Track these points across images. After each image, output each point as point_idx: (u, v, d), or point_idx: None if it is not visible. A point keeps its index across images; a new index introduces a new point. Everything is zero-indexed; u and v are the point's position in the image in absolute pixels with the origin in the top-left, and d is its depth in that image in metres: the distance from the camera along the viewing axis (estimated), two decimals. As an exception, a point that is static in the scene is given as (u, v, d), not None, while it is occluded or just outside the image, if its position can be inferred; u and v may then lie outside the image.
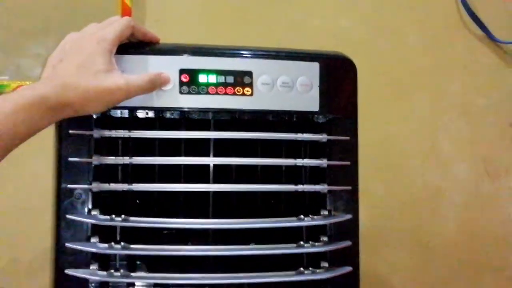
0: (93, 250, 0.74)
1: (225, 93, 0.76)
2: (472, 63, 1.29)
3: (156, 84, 0.73)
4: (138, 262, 0.79)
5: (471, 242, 1.29)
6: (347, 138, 0.81)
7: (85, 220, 0.75)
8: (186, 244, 0.79)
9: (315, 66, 0.79)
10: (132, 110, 0.77)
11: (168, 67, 0.75)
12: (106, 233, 0.76)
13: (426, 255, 1.27)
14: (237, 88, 0.76)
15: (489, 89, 1.30)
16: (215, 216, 0.78)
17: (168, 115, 0.80)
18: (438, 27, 1.28)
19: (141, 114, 0.79)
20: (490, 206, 1.30)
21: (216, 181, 0.79)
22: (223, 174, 0.79)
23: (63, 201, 0.75)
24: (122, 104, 0.74)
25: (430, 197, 1.27)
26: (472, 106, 1.29)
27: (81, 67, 0.69)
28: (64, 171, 0.76)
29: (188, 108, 0.76)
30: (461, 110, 1.29)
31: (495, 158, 1.30)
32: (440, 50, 1.28)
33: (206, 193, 0.78)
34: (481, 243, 1.29)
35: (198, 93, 0.76)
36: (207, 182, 0.79)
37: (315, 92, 0.78)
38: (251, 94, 0.77)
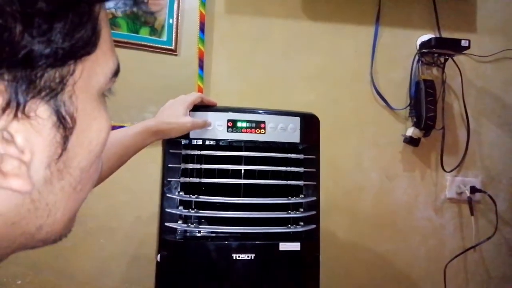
0: (180, 212, 0.78)
1: (251, 132, 0.81)
2: (379, 120, 1.31)
3: (205, 125, 0.77)
4: (203, 220, 0.83)
5: (380, 214, 1.30)
6: (314, 157, 0.85)
7: (176, 197, 0.78)
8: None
9: (298, 119, 0.83)
10: (203, 140, 0.81)
11: (220, 118, 0.79)
12: (187, 205, 0.80)
13: (355, 220, 1.28)
14: (257, 129, 0.81)
15: (388, 134, 1.31)
16: (245, 196, 0.81)
17: (221, 143, 0.83)
18: (359, 100, 1.30)
19: (208, 142, 0.82)
20: (389, 196, 1.32)
21: (245, 178, 0.82)
22: (249, 175, 0.82)
23: (165, 186, 0.79)
24: (198, 136, 0.79)
25: (357, 189, 1.29)
26: (379, 143, 1.30)
27: (172, 112, 0.75)
28: (166, 171, 0.79)
29: (231, 139, 0.80)
30: (372, 144, 1.30)
31: (391, 169, 1.33)
32: (362, 112, 1.30)
33: (239, 185, 0.81)
34: (385, 215, 1.31)
35: (237, 132, 0.80)
36: (240, 178, 0.82)
37: (298, 132, 0.82)
38: (265, 133, 0.81)
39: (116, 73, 0.27)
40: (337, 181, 1.27)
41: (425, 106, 1.25)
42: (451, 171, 1.34)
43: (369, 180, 1.30)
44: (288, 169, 0.84)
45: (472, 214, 1.33)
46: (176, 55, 1.17)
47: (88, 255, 1.10)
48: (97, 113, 0.26)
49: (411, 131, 1.28)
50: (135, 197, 1.13)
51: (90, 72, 0.24)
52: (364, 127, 1.30)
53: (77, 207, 0.27)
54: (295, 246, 0.79)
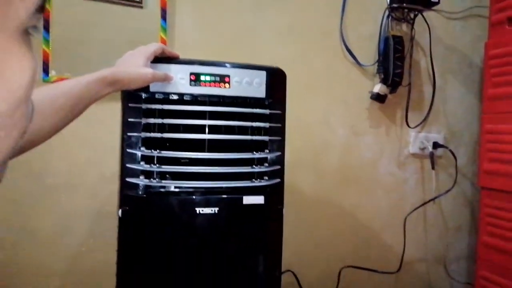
0: (141, 167, 0.77)
1: (215, 86, 0.78)
2: (347, 77, 1.31)
3: (166, 79, 0.75)
4: (167, 175, 0.82)
5: (345, 169, 1.34)
6: (280, 112, 0.84)
7: (136, 152, 0.77)
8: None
9: (264, 73, 0.81)
10: (165, 94, 0.78)
11: (182, 71, 0.77)
12: (150, 161, 0.79)
13: (320, 176, 1.31)
14: (221, 83, 0.79)
15: (356, 91, 1.32)
16: (209, 151, 0.80)
17: (184, 97, 0.80)
18: (330, 57, 1.29)
19: (171, 96, 0.80)
20: (353, 150, 1.35)
21: (210, 133, 0.80)
22: (214, 130, 0.80)
23: (125, 142, 0.77)
24: (159, 90, 0.77)
25: (324, 145, 1.31)
26: (346, 99, 1.31)
27: (131, 62, 0.72)
28: (126, 126, 0.77)
29: (193, 93, 0.78)
30: (340, 101, 1.31)
31: (358, 125, 1.35)
32: (331, 69, 1.29)
33: (203, 140, 0.80)
34: (350, 171, 1.35)
35: (200, 85, 0.78)
36: (204, 133, 0.80)
37: (263, 87, 0.81)
38: (229, 87, 0.79)
39: (41, 8, 0.24)
40: (304, 137, 1.28)
41: (393, 63, 1.26)
42: (415, 127, 1.38)
43: (336, 136, 1.32)
44: (254, 124, 0.83)
45: (433, 168, 1.39)
46: (141, 7, 1.11)
47: (49, 212, 1.09)
48: (18, 50, 0.24)
49: (378, 87, 1.29)
50: (97, 154, 1.11)
51: (7, 4, 0.22)
52: (332, 84, 1.30)
53: (4, 155, 0.26)
54: (259, 199, 0.80)
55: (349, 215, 1.35)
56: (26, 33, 0.25)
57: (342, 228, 1.34)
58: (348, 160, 1.33)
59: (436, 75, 1.37)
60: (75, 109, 0.64)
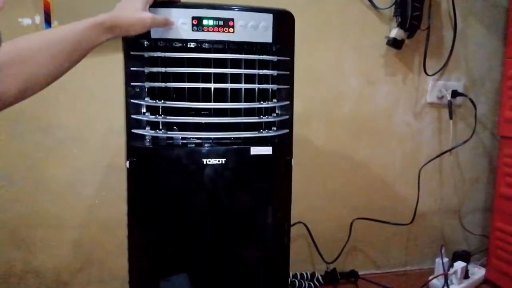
0: (146, 118, 0.76)
1: (218, 31, 0.75)
2: (362, 21, 1.24)
3: (167, 24, 0.72)
4: (174, 127, 0.81)
5: (359, 120, 1.30)
6: (288, 58, 0.81)
7: (141, 102, 0.76)
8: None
9: (270, 16, 0.77)
10: (167, 40, 0.75)
11: (184, 15, 0.73)
12: (155, 111, 0.77)
13: (333, 127, 1.28)
14: (225, 28, 0.75)
15: (371, 36, 1.26)
16: (215, 101, 0.79)
17: (188, 44, 0.77)
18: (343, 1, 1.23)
19: (174, 44, 0.77)
20: (368, 100, 1.31)
21: (216, 81, 0.78)
22: (220, 79, 0.78)
23: (129, 93, 0.76)
24: (161, 36, 0.74)
25: (336, 95, 1.27)
26: (361, 45, 1.26)
27: (129, 7, 0.69)
28: (128, 76, 0.75)
29: (196, 39, 0.75)
30: (354, 47, 1.25)
31: (372, 73, 1.30)
32: (345, 13, 1.23)
33: (209, 89, 0.78)
34: (364, 121, 1.31)
35: (203, 31, 0.74)
36: (210, 82, 0.78)
37: (270, 32, 0.77)
38: (234, 32, 0.76)
39: None
40: (315, 87, 1.24)
41: (411, 4, 1.19)
42: (433, 74, 1.32)
43: (349, 85, 1.28)
44: (260, 71, 0.80)
45: (451, 118, 1.34)
46: None
47: (61, 165, 1.10)
48: None
49: (395, 32, 1.23)
50: (106, 106, 1.10)
51: None
52: (346, 29, 1.24)
53: None
54: (267, 150, 0.79)
55: (362, 167, 1.33)
56: None
57: (354, 180, 1.33)
58: (361, 110, 1.29)
59: (457, 17, 1.29)
60: (72, 57, 0.62)
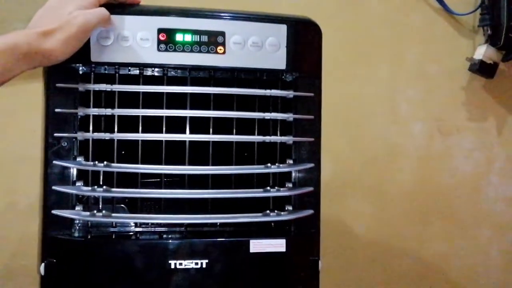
0: (77, 192, 0.77)
1: (200, 51, 0.78)
2: (428, 33, 1.30)
3: (104, 20, 0.74)
4: (121, 205, 0.82)
5: (426, 194, 1.32)
6: (311, 94, 0.83)
7: (69, 165, 0.76)
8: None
9: (283, 28, 0.80)
10: (116, 65, 0.78)
11: (146, 26, 0.76)
12: (91, 179, 0.78)
13: (383, 204, 1.30)
14: (211, 46, 0.78)
15: (444, 57, 1.31)
16: (191, 163, 0.79)
17: (149, 72, 0.80)
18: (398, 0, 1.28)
19: (123, 70, 0.80)
20: (441, 161, 1.33)
21: (192, 132, 0.80)
22: (199, 126, 0.80)
23: (50, 149, 0.77)
24: (105, 60, 0.76)
25: (388, 152, 1.29)
26: (427, 72, 1.30)
27: (54, 18, 0.71)
28: (52, 121, 0.77)
29: (165, 64, 0.78)
30: (417, 75, 1.30)
31: (446, 117, 1.33)
32: (399, 21, 1.28)
33: (183, 143, 0.80)
34: (434, 196, 1.33)
35: (175, 50, 0.77)
36: (184, 132, 0.80)
37: (283, 52, 0.80)
38: (224, 53, 0.78)
39: None
40: (354, 139, 1.27)
41: (507, 8, 1.24)
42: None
43: (409, 136, 1.31)
44: (267, 116, 0.82)
45: None
46: None
47: None
48: None
49: (482, 51, 1.27)
50: (4, 170, 1.11)
51: None
52: (403, 46, 1.29)
53: None
54: (278, 245, 0.79)
55: (432, 270, 1.33)
56: None
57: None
58: (430, 178, 1.31)
59: None
60: None
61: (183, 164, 0.80)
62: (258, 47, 0.80)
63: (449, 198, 1.33)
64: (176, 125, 0.80)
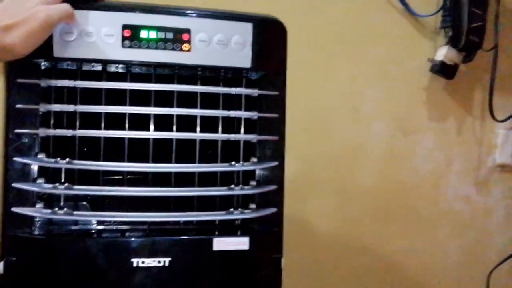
0: (38, 189, 0.76)
1: (165, 48, 0.78)
2: (390, 34, 1.32)
3: (68, 16, 0.73)
4: (84, 203, 0.81)
5: (387, 191, 1.34)
6: (276, 93, 0.84)
7: (30, 162, 0.76)
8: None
9: (248, 27, 0.81)
10: (80, 61, 0.78)
11: (111, 22, 0.76)
12: (52, 176, 0.77)
13: (346, 201, 1.31)
14: (176, 44, 0.78)
15: (405, 58, 1.33)
16: (155, 161, 0.79)
17: (112, 68, 0.80)
18: (363, 0, 1.30)
19: (86, 66, 0.79)
20: (402, 160, 1.36)
21: (156, 130, 0.80)
22: (163, 124, 0.80)
23: (11, 145, 0.76)
24: (68, 54, 0.76)
25: (351, 151, 1.31)
26: (389, 72, 1.32)
27: (15, 12, 0.70)
28: (12, 117, 0.76)
29: (130, 61, 0.78)
30: (378, 75, 1.32)
31: (408, 116, 1.35)
32: (362, 21, 1.30)
33: (147, 140, 0.79)
34: (395, 193, 1.35)
35: (139, 47, 0.77)
36: (148, 130, 0.80)
37: (248, 51, 0.81)
38: (189, 50, 0.78)
39: None
40: (318, 138, 1.29)
41: (469, 10, 1.26)
42: (506, 120, 1.38)
43: (372, 135, 1.33)
44: (232, 114, 0.83)
45: (535, 190, 1.39)
46: None
47: None
48: None
49: (443, 52, 1.29)
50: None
51: None
52: (366, 46, 1.31)
53: None
54: (241, 243, 0.80)
55: (393, 269, 1.35)
56: None
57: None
58: (392, 176, 1.33)
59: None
60: None
61: (147, 161, 0.80)
62: (224, 45, 0.80)
63: (409, 196, 1.35)
64: (139, 122, 0.80)
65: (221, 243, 0.79)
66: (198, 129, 0.83)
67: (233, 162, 0.83)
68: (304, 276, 1.28)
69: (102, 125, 0.79)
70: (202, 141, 0.83)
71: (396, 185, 1.33)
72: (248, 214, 0.83)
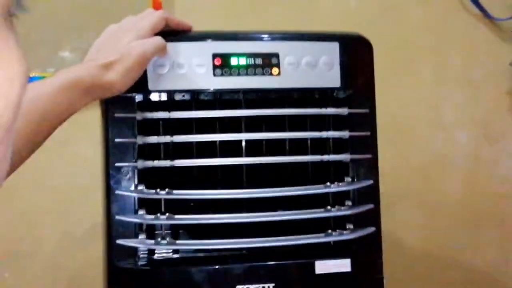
0: (141, 221, 0.78)
1: (255, 74, 0.79)
2: (470, 39, 1.30)
3: (160, 49, 0.75)
4: (180, 231, 0.82)
5: (474, 201, 1.31)
6: (367, 111, 0.84)
7: (133, 194, 0.78)
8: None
9: (335, 46, 0.81)
10: (170, 92, 0.80)
11: (201, 52, 0.78)
12: (151, 207, 0.79)
13: (433, 213, 1.29)
14: (265, 69, 0.79)
15: (486, 62, 1.31)
16: (248, 187, 0.80)
17: (202, 96, 0.82)
18: (439, 7, 1.28)
19: (178, 97, 0.81)
20: (489, 168, 1.33)
21: (248, 155, 0.81)
22: (254, 148, 0.81)
23: (112, 178, 0.78)
24: (162, 88, 0.78)
25: (434, 162, 1.29)
26: (471, 78, 1.30)
27: (113, 49, 0.72)
28: (112, 151, 0.78)
29: (220, 88, 0.79)
30: (461, 81, 1.30)
31: (493, 123, 1.33)
32: (441, 28, 1.29)
33: (240, 166, 0.80)
34: (480, 201, 1.33)
35: (230, 74, 0.79)
36: (241, 156, 0.81)
37: (336, 70, 0.81)
38: (279, 74, 0.79)
39: None
40: (398, 150, 1.27)
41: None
42: None
43: (455, 145, 1.30)
44: (323, 134, 0.83)
45: None
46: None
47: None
48: (2, 46, 0.25)
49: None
50: (59, 199, 1.12)
51: None
52: (446, 53, 1.30)
53: None
54: (343, 265, 0.80)
55: (487, 280, 1.32)
56: (8, 15, 0.26)
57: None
58: (479, 185, 1.30)
59: None
60: (39, 132, 0.66)
61: (241, 188, 0.81)
62: (312, 66, 0.81)
63: (498, 206, 1.32)
64: (231, 150, 0.81)
65: (323, 266, 0.79)
66: (288, 151, 0.83)
67: (328, 183, 0.83)
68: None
69: (194, 154, 0.81)
70: (290, 164, 0.83)
71: (484, 195, 1.31)
72: (347, 235, 0.82)
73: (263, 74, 0.80)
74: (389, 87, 1.25)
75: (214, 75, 0.78)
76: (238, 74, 0.79)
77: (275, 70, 0.80)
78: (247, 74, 0.79)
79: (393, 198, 1.26)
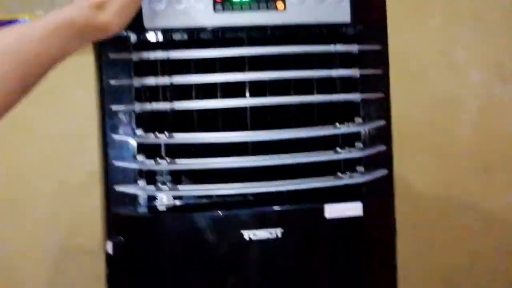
0: (141, 167, 0.75)
1: (258, 9, 0.75)
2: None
3: None
4: (183, 179, 0.80)
5: (485, 142, 1.30)
6: (379, 47, 0.80)
7: (131, 139, 0.75)
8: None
9: (345, -21, 0.76)
10: (169, 30, 0.76)
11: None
12: (150, 152, 0.77)
13: (443, 156, 1.28)
14: (269, 3, 0.75)
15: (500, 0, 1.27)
16: (253, 129, 0.78)
17: (202, 35, 0.78)
18: None
19: (176, 36, 0.77)
20: (503, 109, 1.31)
21: (252, 96, 0.78)
22: (258, 89, 0.78)
23: (108, 123, 0.75)
24: (158, 26, 0.74)
25: (446, 104, 1.27)
26: (483, 16, 1.27)
27: None
28: (107, 95, 0.75)
29: (220, 25, 0.75)
30: (473, 20, 1.26)
31: (507, 63, 1.30)
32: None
33: (243, 109, 0.77)
34: (493, 144, 1.31)
35: (232, 10, 0.74)
36: (244, 96, 0.78)
37: (346, 4, 0.77)
38: (284, 9, 0.75)
39: None
40: (411, 91, 1.25)
41: None
42: None
43: (469, 85, 1.28)
44: (332, 73, 0.79)
45: None
46: None
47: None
48: None
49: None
50: (54, 148, 1.11)
51: None
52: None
53: None
54: (354, 208, 0.78)
55: (495, 224, 1.31)
56: None
57: (488, 247, 1.31)
58: (492, 129, 1.28)
59: None
60: (29, 77, 0.63)
61: (245, 129, 0.78)
62: (320, 0, 0.76)
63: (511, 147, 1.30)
64: (234, 91, 0.78)
65: (333, 210, 0.77)
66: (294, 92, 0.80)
67: (336, 124, 0.80)
68: (402, 239, 1.25)
69: (194, 96, 0.78)
70: (296, 107, 0.80)
71: (496, 137, 1.29)
72: (357, 179, 0.80)
73: (267, 8, 0.76)
74: (398, 26, 1.22)
75: (215, 10, 0.75)
76: (241, 10, 0.75)
77: (280, 5, 0.76)
78: (250, 9, 0.75)
79: (402, 141, 1.24)
